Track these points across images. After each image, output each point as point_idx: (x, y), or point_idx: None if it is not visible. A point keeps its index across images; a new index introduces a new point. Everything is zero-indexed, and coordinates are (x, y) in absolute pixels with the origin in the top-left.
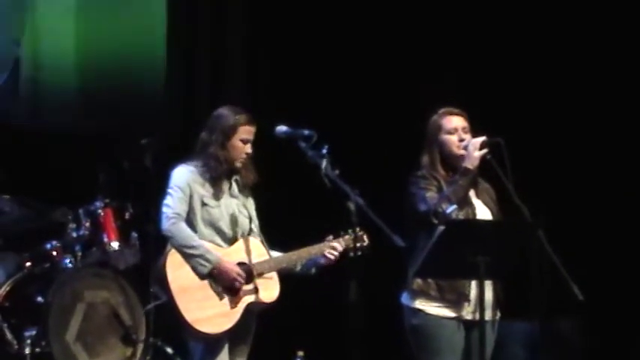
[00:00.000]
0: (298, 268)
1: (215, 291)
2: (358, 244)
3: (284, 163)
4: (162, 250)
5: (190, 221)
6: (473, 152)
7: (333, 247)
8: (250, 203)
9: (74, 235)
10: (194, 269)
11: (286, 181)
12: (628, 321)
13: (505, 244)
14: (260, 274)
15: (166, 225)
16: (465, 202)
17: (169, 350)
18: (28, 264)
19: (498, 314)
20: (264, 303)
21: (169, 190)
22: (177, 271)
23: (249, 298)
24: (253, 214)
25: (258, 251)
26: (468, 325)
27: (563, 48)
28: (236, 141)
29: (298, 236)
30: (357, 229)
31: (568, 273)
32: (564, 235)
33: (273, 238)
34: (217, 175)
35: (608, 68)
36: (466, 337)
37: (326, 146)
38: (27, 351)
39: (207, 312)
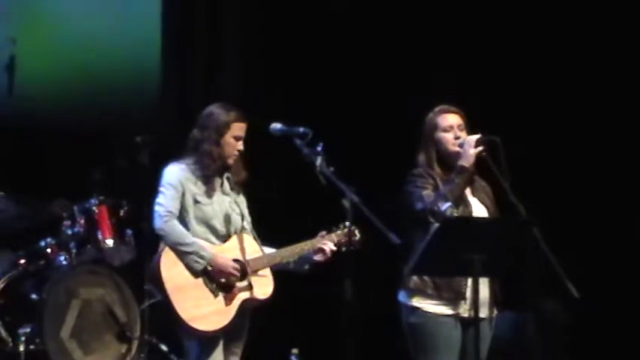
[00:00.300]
0: (291, 265)
1: (209, 289)
2: (351, 239)
3: (279, 160)
4: (157, 248)
5: (183, 219)
6: (468, 150)
7: (325, 242)
8: (242, 200)
9: (69, 232)
10: (188, 266)
11: (281, 179)
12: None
13: (501, 242)
14: (254, 271)
15: (159, 223)
16: (461, 200)
17: (164, 348)
18: (23, 261)
19: (495, 312)
20: (258, 300)
21: (161, 189)
22: (172, 270)
23: (243, 295)
24: (245, 211)
25: (252, 248)
26: (465, 323)
27: (559, 46)
28: (229, 138)
29: (293, 234)
30: (349, 223)
31: (563, 270)
32: (560, 232)
33: (268, 235)
34: (210, 173)
35: (604, 66)
36: (463, 334)
37: (321, 144)
38: (21, 348)
39: (203, 310)
